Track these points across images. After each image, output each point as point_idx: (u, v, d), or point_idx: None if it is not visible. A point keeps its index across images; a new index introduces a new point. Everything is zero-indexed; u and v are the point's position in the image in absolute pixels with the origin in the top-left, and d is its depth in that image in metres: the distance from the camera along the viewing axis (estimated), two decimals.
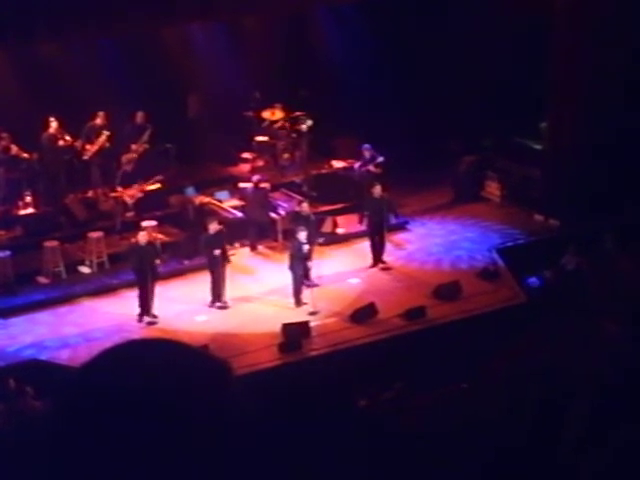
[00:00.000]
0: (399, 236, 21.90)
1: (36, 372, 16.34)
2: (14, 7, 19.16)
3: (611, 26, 20.89)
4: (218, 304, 18.89)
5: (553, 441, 2.75)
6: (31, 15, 19.36)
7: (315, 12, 25.22)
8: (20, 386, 15.34)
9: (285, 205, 22.19)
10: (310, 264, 19.02)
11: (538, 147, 23.68)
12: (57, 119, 21.44)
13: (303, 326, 18.04)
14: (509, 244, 21.41)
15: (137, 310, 18.47)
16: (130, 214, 21.48)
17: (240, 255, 20.79)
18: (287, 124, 24.10)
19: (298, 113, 23.99)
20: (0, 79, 21.64)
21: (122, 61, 22.27)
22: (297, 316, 18.48)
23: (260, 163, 24.27)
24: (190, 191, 21.98)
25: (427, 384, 14.30)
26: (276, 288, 19.50)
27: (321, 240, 20.66)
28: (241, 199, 22.07)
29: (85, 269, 20.35)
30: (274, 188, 22.69)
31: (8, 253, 19.65)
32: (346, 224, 22.09)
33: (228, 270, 19.10)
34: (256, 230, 21.27)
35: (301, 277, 18.85)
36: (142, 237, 18.58)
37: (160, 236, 20.61)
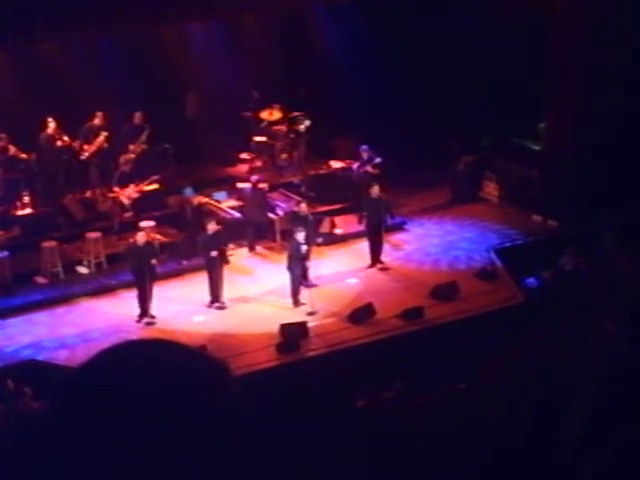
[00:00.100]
0: (397, 236, 21.90)
1: (34, 372, 16.33)
2: (14, 7, 19.16)
3: (611, 26, 20.90)
4: (216, 304, 18.89)
5: (552, 441, 2.74)
6: (31, 15, 19.37)
7: (314, 12, 25.21)
8: (18, 386, 15.33)
9: (283, 205, 22.19)
10: (308, 264, 19.03)
11: (536, 147, 23.69)
12: (55, 119, 21.43)
13: (301, 326, 18.04)
14: (507, 244, 21.42)
15: (136, 311, 18.46)
16: (128, 214, 21.48)
17: (238, 255, 20.79)
18: (285, 124, 24.10)
19: (296, 113, 23.98)
20: None
21: (120, 61, 22.27)
22: (295, 316, 18.48)
23: (258, 163, 24.27)
24: (188, 191, 21.96)
25: (425, 384, 14.30)
26: (274, 288, 19.50)
27: (320, 240, 20.66)
28: (239, 199, 22.07)
29: (83, 269, 20.34)
30: (272, 188, 22.67)
31: (6, 253, 19.64)
32: (344, 224, 22.10)
33: (226, 270, 19.10)
34: (254, 230, 21.27)
35: (299, 277, 18.85)
36: (140, 237, 18.57)
37: (158, 236, 20.60)
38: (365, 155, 22.44)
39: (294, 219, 19.97)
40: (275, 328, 17.95)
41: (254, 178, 21.84)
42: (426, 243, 21.67)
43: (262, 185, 21.72)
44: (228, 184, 23.28)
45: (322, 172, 23.84)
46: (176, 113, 23.79)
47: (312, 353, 17.71)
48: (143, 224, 20.22)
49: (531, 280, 19.44)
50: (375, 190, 20.32)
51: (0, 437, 13.91)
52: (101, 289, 19.69)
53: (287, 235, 20.02)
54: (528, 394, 2.85)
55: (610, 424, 2.63)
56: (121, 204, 21.40)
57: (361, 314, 18.47)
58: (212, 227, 18.93)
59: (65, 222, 21.44)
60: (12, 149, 21.18)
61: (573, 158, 21.72)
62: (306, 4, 25.12)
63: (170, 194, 22.26)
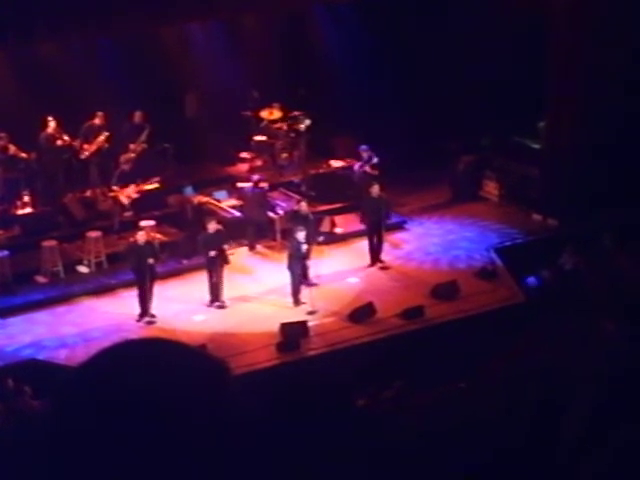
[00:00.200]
0: (397, 236, 21.90)
1: (34, 372, 16.33)
2: (14, 7, 19.16)
3: (611, 26, 20.89)
4: (216, 304, 18.89)
5: (552, 441, 2.74)
6: (31, 15, 19.37)
7: (314, 12, 25.20)
8: (18, 386, 15.34)
9: (283, 204, 22.19)
10: (308, 263, 19.04)
11: (536, 146, 23.69)
12: (55, 119, 21.43)
13: (301, 325, 18.05)
14: (507, 243, 21.42)
15: (137, 310, 18.47)
16: (128, 214, 21.48)
17: (238, 255, 20.79)
18: (285, 123, 24.09)
19: (296, 112, 23.97)
20: None
21: (120, 61, 22.26)
22: (295, 315, 18.48)
23: (258, 163, 24.27)
24: (188, 191, 21.96)
25: (426, 383, 14.30)
26: (274, 288, 19.50)
27: (320, 239, 20.66)
28: (239, 199, 22.07)
29: (83, 269, 20.34)
30: (272, 188, 22.67)
31: (6, 253, 19.64)
32: (344, 223, 22.09)
33: (226, 270, 19.10)
34: (254, 230, 21.27)
35: (299, 276, 18.86)
36: (141, 237, 18.58)
37: (158, 236, 20.60)
38: (365, 155, 22.45)
39: (294, 218, 19.98)
40: (275, 327, 17.95)
41: (254, 177, 21.84)
42: (426, 242, 21.68)
43: (262, 184, 21.71)
44: (228, 183, 23.28)
45: (322, 171, 23.84)
46: (176, 113, 23.78)
47: (312, 352, 17.72)
48: (143, 223, 20.20)
49: (531, 279, 19.43)
50: (375, 189, 20.33)
51: (0, 436, 13.92)
52: (101, 288, 19.69)
53: (287, 234, 20.02)
54: (528, 394, 2.85)
55: (610, 424, 2.64)
56: (121, 204, 21.40)
57: (361, 313, 18.48)
58: (212, 226, 18.94)
59: (65, 221, 21.44)
60: (12, 148, 21.18)
61: (573, 157, 21.72)
62: (306, 4, 25.12)
63: (170, 193, 22.26)
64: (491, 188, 23.90)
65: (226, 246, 18.95)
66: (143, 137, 22.55)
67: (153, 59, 23.01)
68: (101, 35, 21.49)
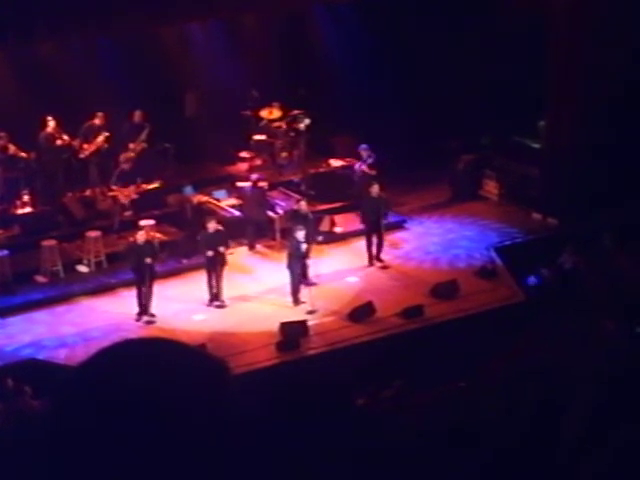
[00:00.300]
0: (397, 235, 21.90)
1: (34, 371, 16.33)
2: (14, 7, 19.16)
3: (611, 26, 20.89)
4: (216, 303, 18.89)
5: (552, 441, 2.74)
6: (31, 15, 19.37)
7: (314, 12, 25.20)
8: (18, 385, 15.34)
9: (283, 204, 22.19)
10: (308, 263, 19.05)
11: (536, 146, 23.69)
12: (55, 118, 21.43)
13: (301, 325, 18.05)
14: (507, 243, 21.42)
15: (136, 309, 18.48)
16: (128, 213, 21.48)
17: (238, 254, 20.79)
18: (285, 123, 24.09)
19: (296, 112, 23.96)
20: None
21: (120, 61, 22.25)
22: (295, 315, 18.49)
23: (258, 162, 24.26)
24: (188, 190, 21.96)
25: (425, 383, 14.31)
26: (274, 287, 19.50)
27: (319, 239, 20.66)
28: (239, 198, 22.07)
29: (83, 268, 20.33)
30: (272, 187, 22.66)
31: (6, 252, 19.64)
32: (344, 223, 22.10)
33: (226, 269, 19.10)
34: (254, 229, 21.26)
35: (299, 276, 18.86)
36: (140, 236, 18.58)
37: (158, 235, 20.60)
38: (365, 154, 22.45)
39: (294, 217, 19.98)
40: (275, 326, 17.96)
41: (254, 177, 21.84)
42: (426, 241, 21.68)
43: (262, 184, 21.71)
44: (228, 183, 23.28)
45: (322, 170, 23.84)
46: (176, 112, 23.78)
47: (312, 352, 17.72)
48: (143, 223, 20.21)
49: (531, 278, 19.45)
50: (375, 189, 20.34)
51: (0, 436, 13.92)
52: (101, 288, 19.69)
53: (287, 234, 20.02)
54: (528, 393, 2.85)
55: (610, 424, 2.63)
56: (120, 203, 21.40)
57: (361, 312, 18.48)
58: (212, 226, 18.94)
59: (65, 221, 21.44)
60: (12, 148, 21.18)
61: (573, 157, 21.72)
62: (306, 4, 25.11)
63: (170, 193, 22.26)
64: (491, 187, 23.91)
65: (222, 248, 18.87)
66: (143, 136, 22.55)
67: (153, 59, 23.00)
68: (101, 35, 21.49)
